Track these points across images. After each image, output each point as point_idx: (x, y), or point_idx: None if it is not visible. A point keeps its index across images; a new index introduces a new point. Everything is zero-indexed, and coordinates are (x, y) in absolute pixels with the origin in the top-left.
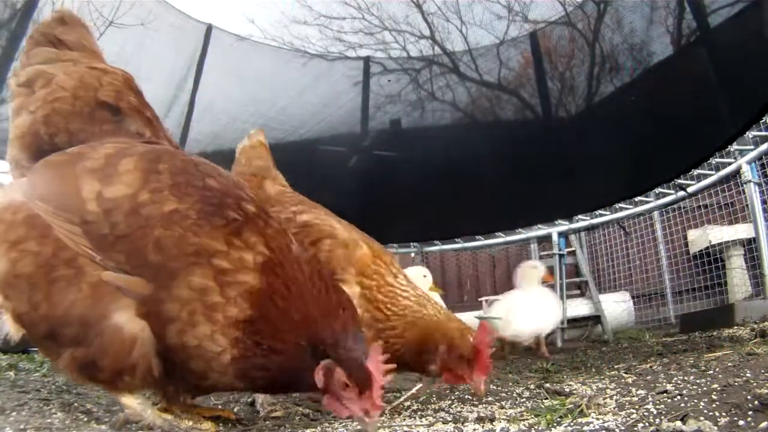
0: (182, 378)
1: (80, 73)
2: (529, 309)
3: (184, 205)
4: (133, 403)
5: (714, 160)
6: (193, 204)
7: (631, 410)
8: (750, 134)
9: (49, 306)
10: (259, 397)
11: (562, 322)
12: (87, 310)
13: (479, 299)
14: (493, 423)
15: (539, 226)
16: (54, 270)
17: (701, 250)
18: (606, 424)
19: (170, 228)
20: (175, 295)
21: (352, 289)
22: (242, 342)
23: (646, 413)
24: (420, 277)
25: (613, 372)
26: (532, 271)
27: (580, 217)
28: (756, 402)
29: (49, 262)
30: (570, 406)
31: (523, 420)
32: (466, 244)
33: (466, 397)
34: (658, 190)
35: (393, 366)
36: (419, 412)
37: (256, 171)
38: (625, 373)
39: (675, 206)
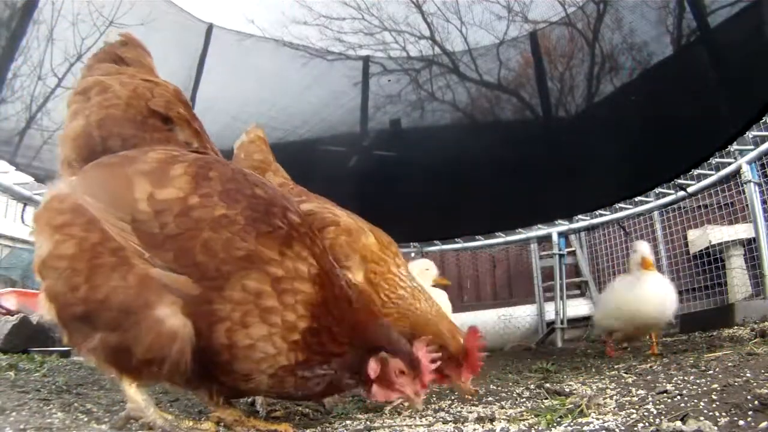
0: (219, 379)
1: (134, 84)
2: (609, 300)
3: (233, 211)
4: (138, 398)
5: (714, 160)
6: (242, 210)
7: (631, 410)
8: (750, 134)
9: (89, 289)
10: (259, 398)
11: (562, 322)
12: (130, 298)
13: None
14: (493, 423)
15: (539, 226)
16: (98, 256)
17: (701, 250)
18: (606, 424)
19: (218, 231)
20: (227, 296)
21: (356, 277)
22: (304, 348)
23: (646, 413)
24: (423, 270)
25: (613, 372)
26: (633, 255)
27: (580, 217)
28: (756, 402)
29: (94, 248)
30: (570, 406)
31: (523, 420)
32: (466, 244)
33: (467, 397)
34: (658, 190)
35: (439, 354)
36: (419, 412)
37: (257, 164)
38: (625, 373)
39: (675, 206)
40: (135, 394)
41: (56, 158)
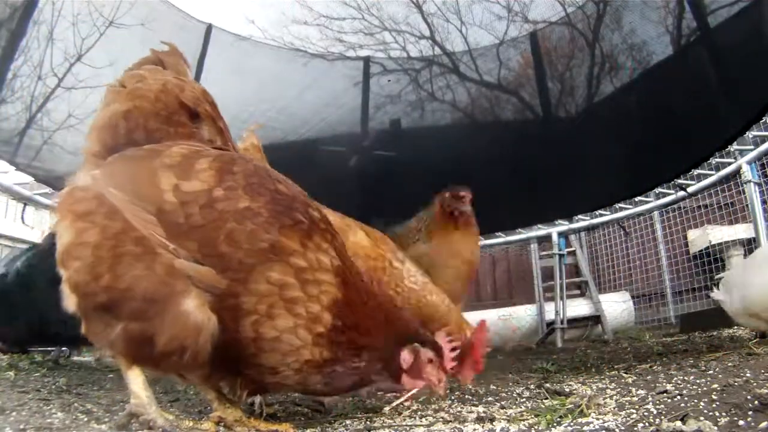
0: (244, 373)
1: (165, 79)
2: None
3: (256, 204)
4: (143, 394)
5: (714, 160)
6: (265, 204)
7: (631, 410)
8: (750, 134)
9: (112, 278)
10: (258, 397)
11: (562, 322)
12: (155, 288)
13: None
14: (493, 423)
15: (539, 226)
16: (121, 245)
17: (701, 250)
18: (606, 424)
19: (242, 223)
20: (252, 288)
21: None
22: (329, 344)
23: (646, 413)
24: None
25: (613, 372)
26: None
27: (580, 217)
28: (756, 402)
29: (117, 236)
30: (570, 406)
31: (523, 420)
32: None
33: (467, 397)
34: (658, 190)
35: (459, 343)
36: (419, 412)
37: None
38: (625, 373)
39: (675, 206)
40: (140, 390)
41: (82, 149)
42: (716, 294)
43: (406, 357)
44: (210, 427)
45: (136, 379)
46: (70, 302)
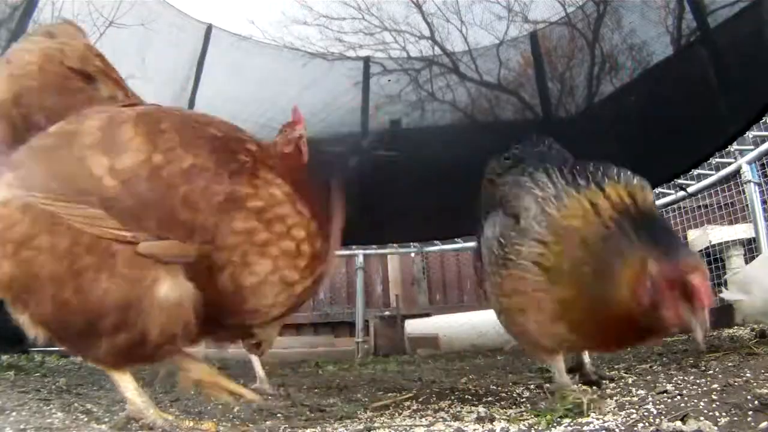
0: (225, 324)
1: (43, 47)
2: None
3: (200, 159)
4: (137, 399)
5: (714, 160)
6: (208, 155)
7: (631, 410)
8: (750, 134)
9: (80, 300)
10: (258, 398)
11: None
12: (126, 293)
13: None
14: (493, 423)
15: None
16: (77, 260)
17: (701, 250)
18: (606, 424)
19: (193, 182)
20: (220, 244)
21: None
22: (311, 271)
23: (646, 413)
24: None
25: (613, 372)
26: None
27: None
28: (756, 402)
29: (71, 252)
30: (570, 406)
31: (523, 420)
32: (466, 244)
33: (467, 397)
34: (658, 190)
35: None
36: (419, 412)
37: None
38: (625, 373)
39: (675, 206)
40: (134, 396)
41: None
42: (729, 294)
43: None
44: (210, 427)
45: (127, 385)
46: (38, 334)
